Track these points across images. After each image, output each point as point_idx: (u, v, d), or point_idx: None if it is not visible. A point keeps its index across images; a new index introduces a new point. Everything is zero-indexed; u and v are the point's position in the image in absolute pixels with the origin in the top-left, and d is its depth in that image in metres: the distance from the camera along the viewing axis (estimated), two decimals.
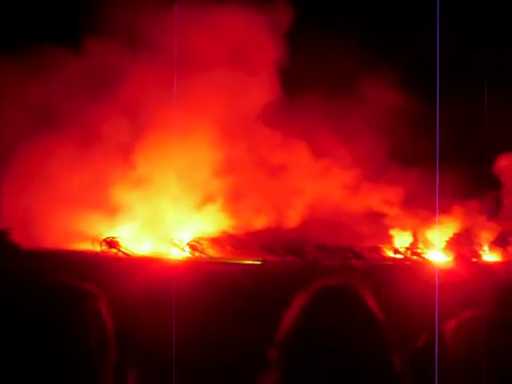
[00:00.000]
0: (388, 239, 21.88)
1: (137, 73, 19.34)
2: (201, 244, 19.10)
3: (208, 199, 20.20)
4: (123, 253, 18.35)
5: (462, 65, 19.21)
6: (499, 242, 20.05)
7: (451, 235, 21.54)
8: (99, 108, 19.42)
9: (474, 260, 19.70)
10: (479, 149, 19.01)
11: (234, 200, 20.15)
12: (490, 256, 20.95)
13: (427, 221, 21.16)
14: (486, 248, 21.48)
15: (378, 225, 21.45)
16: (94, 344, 1.16)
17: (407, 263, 19.39)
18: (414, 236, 22.01)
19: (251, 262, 16.82)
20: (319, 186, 20.54)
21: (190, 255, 18.65)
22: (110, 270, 11.05)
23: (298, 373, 1.12)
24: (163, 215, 19.83)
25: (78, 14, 19.16)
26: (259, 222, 19.66)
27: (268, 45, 20.62)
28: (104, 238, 18.60)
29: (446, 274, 14.38)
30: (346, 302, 1.09)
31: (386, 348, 1.11)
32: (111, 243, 18.49)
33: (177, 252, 18.93)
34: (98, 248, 18.26)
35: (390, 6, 20.77)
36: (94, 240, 18.46)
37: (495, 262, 19.02)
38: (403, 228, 21.93)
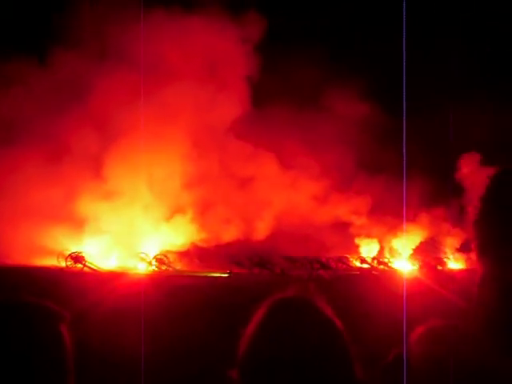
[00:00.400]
0: (355, 249, 22.05)
1: (106, 86, 19.19)
2: (168, 258, 18.93)
3: (177, 211, 20.08)
4: (89, 268, 18.04)
5: (428, 76, 19.64)
6: (464, 249, 20.37)
7: (417, 243, 21.82)
8: (67, 121, 19.17)
9: (440, 268, 19.97)
10: (444, 159, 19.35)
11: (203, 212, 20.08)
12: (455, 263, 21.27)
13: (394, 230, 21.42)
14: (451, 255, 21.81)
15: (345, 235, 21.63)
16: (50, 368, 1.11)
17: (374, 272, 19.52)
18: (381, 245, 22.23)
19: (218, 275, 16.73)
20: (287, 198, 20.64)
21: (156, 269, 18.45)
22: (75, 285, 10.85)
23: None
24: (131, 228, 19.61)
25: (46, 26, 18.96)
26: (228, 234, 19.61)
27: (238, 58, 20.74)
28: (69, 252, 18.29)
29: (412, 282, 14.54)
30: (302, 313, 1.08)
31: (345, 356, 1.10)
32: (77, 258, 18.18)
33: (144, 266, 18.72)
34: (63, 263, 17.94)
35: (359, 20, 21.17)
36: (59, 255, 18.14)
37: (460, 270, 19.32)
38: (370, 237, 22.15)
